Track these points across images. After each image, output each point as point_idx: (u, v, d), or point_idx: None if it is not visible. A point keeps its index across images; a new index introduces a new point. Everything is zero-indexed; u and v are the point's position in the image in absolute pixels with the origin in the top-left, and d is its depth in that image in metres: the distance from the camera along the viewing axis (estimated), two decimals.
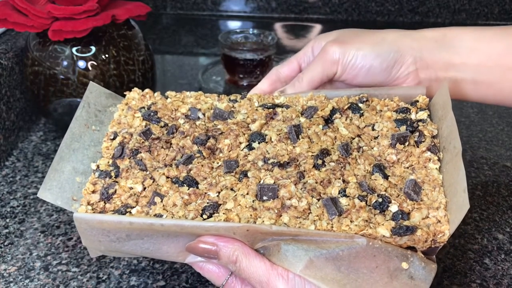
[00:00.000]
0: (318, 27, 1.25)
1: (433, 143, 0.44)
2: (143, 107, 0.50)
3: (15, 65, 0.72)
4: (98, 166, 0.45)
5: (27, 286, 0.50)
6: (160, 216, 0.40)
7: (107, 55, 0.68)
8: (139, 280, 0.51)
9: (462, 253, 0.55)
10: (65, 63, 0.67)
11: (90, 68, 0.67)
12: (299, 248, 0.38)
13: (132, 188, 0.43)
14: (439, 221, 0.39)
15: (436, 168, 0.42)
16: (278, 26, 1.25)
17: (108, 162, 0.46)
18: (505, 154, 0.74)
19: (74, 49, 0.67)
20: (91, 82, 0.51)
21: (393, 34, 0.51)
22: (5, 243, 0.56)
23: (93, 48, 0.68)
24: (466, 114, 0.86)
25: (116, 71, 0.69)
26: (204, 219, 0.40)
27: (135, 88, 0.52)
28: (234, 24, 1.27)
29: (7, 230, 0.58)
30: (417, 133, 0.45)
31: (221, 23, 1.28)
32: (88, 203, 0.42)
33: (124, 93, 0.52)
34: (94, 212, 0.42)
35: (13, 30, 0.77)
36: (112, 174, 0.44)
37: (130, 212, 0.41)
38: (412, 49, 0.50)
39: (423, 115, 0.46)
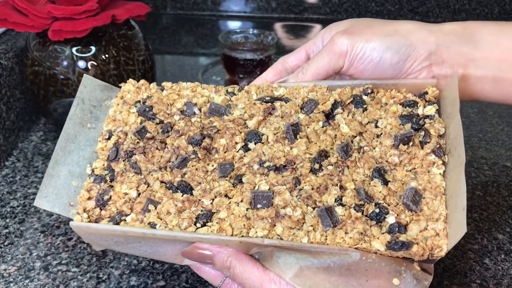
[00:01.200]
0: (318, 27, 1.25)
1: (438, 145, 0.41)
2: (139, 101, 0.48)
3: (15, 65, 0.72)
4: (93, 170, 0.45)
5: (27, 286, 0.50)
6: (154, 225, 0.40)
7: (107, 55, 0.68)
8: (139, 280, 0.51)
9: (462, 253, 0.55)
10: (65, 63, 0.67)
11: (90, 68, 0.67)
12: (291, 255, 0.38)
13: (127, 194, 0.43)
14: (438, 234, 0.38)
15: (440, 174, 0.40)
16: (278, 26, 1.25)
17: (103, 165, 0.45)
18: (505, 154, 0.74)
19: (74, 49, 0.67)
20: (85, 75, 0.50)
21: (407, 26, 0.47)
22: (5, 243, 0.56)
23: (93, 48, 0.68)
24: (466, 114, 0.86)
25: (116, 71, 0.69)
26: (197, 228, 0.40)
27: (130, 80, 0.50)
28: (234, 24, 1.27)
29: (7, 230, 0.58)
30: (423, 132, 0.42)
31: (221, 23, 1.28)
32: (84, 210, 0.42)
33: (119, 85, 0.50)
34: (90, 219, 0.42)
35: (13, 30, 0.77)
36: (107, 178, 0.44)
37: (125, 220, 0.41)
38: (427, 43, 0.46)
39: (431, 110, 0.44)
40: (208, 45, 1.14)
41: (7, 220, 0.59)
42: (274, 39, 0.91)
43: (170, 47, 1.13)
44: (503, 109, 0.88)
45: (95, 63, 0.68)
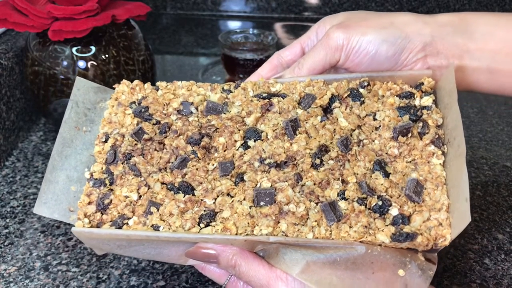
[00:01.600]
0: None
1: (437, 135, 0.42)
2: (134, 102, 0.48)
3: (15, 65, 0.72)
4: (92, 174, 0.44)
5: (27, 286, 0.50)
6: (157, 227, 0.40)
7: (107, 55, 0.68)
8: (139, 280, 0.51)
9: (462, 253, 0.55)
10: (65, 63, 0.67)
11: (90, 68, 0.67)
12: (297, 251, 0.38)
13: (128, 197, 0.42)
14: (441, 224, 0.38)
15: (440, 164, 0.41)
16: (278, 26, 1.25)
17: (102, 168, 0.44)
18: (505, 154, 0.74)
19: (74, 49, 0.67)
20: (77, 77, 0.49)
21: (403, 18, 0.47)
22: (5, 243, 0.56)
23: (93, 48, 0.68)
24: (466, 114, 0.86)
25: (116, 71, 0.69)
26: (201, 228, 0.40)
27: (124, 80, 0.49)
28: (234, 24, 1.27)
29: (7, 230, 0.58)
30: (421, 123, 0.43)
31: (221, 23, 1.28)
32: (85, 215, 0.42)
33: (113, 86, 0.49)
34: (91, 224, 0.41)
35: (13, 30, 0.77)
36: (107, 181, 0.44)
37: (127, 224, 0.41)
38: (422, 35, 0.46)
39: (427, 101, 0.44)
40: (208, 45, 1.14)
41: (7, 220, 0.59)
42: (274, 39, 0.91)
43: (170, 47, 1.13)
44: (503, 109, 0.88)
45: (95, 63, 0.68)
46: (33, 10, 0.64)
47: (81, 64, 0.67)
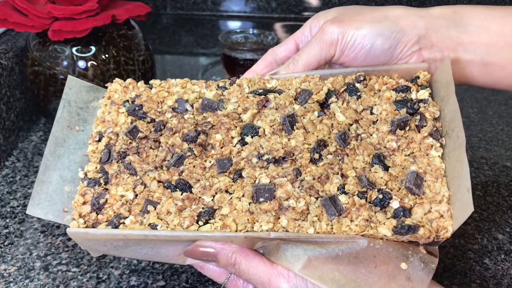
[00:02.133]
0: None
1: (435, 128, 0.42)
2: (127, 101, 0.47)
3: (15, 65, 0.72)
4: (86, 174, 0.43)
5: (27, 286, 0.50)
6: (155, 226, 0.40)
7: (107, 55, 0.68)
8: (139, 280, 0.51)
9: (462, 253, 0.55)
10: (65, 63, 0.67)
11: (90, 68, 0.67)
12: (298, 247, 0.38)
13: (124, 196, 0.42)
14: (442, 216, 0.38)
15: (439, 156, 0.41)
16: (278, 26, 1.25)
17: (96, 168, 0.44)
18: (505, 154, 0.74)
19: (74, 49, 0.67)
20: (69, 76, 0.48)
21: (397, 11, 0.47)
22: (5, 243, 0.56)
23: (93, 48, 0.68)
24: (466, 114, 0.86)
25: (116, 71, 0.69)
26: (200, 226, 0.39)
27: (117, 79, 0.49)
28: (234, 24, 1.27)
29: (7, 230, 0.58)
30: (418, 116, 0.43)
31: (221, 23, 1.28)
32: (80, 216, 0.41)
33: (106, 84, 0.49)
34: (86, 225, 0.41)
35: (13, 30, 0.77)
36: (101, 181, 0.43)
37: (124, 223, 0.40)
38: (416, 28, 0.46)
39: (424, 94, 0.44)
40: (208, 45, 1.14)
41: (7, 220, 0.59)
42: (274, 39, 0.91)
43: (170, 47, 1.13)
44: (503, 109, 0.88)
45: (95, 63, 0.68)
46: (33, 10, 0.64)
47: (81, 64, 0.67)
